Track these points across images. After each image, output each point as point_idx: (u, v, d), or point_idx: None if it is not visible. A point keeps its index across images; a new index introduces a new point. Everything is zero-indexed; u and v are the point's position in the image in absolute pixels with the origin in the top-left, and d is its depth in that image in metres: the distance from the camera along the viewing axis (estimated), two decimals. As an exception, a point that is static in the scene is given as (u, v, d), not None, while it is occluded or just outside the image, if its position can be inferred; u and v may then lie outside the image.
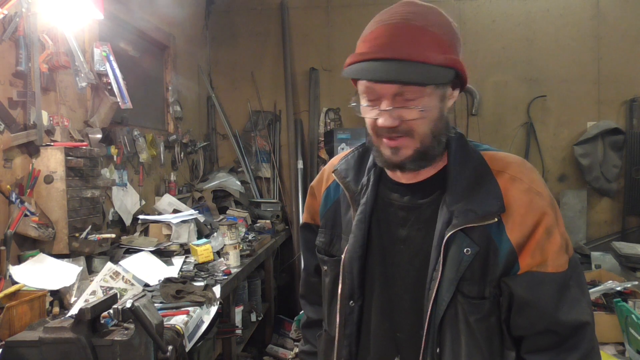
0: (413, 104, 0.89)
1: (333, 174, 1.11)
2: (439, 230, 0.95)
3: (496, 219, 0.92)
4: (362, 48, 0.92)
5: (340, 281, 1.05)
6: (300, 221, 1.27)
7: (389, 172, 1.04)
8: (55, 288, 1.86)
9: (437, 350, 0.96)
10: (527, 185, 0.94)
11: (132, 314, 1.37)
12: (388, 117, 0.90)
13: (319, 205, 1.17)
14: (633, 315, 2.11)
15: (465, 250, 0.93)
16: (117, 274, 1.95)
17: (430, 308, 0.95)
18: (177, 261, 2.51)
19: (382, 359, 1.04)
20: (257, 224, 3.82)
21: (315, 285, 1.25)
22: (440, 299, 0.94)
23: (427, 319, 0.95)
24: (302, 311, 1.36)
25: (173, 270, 2.38)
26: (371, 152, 1.03)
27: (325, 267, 1.12)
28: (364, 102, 0.94)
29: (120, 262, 2.25)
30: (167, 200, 3.30)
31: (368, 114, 0.94)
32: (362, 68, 0.88)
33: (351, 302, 1.05)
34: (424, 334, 0.96)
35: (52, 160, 2.15)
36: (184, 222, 2.81)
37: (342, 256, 1.05)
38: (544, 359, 0.94)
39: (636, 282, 2.63)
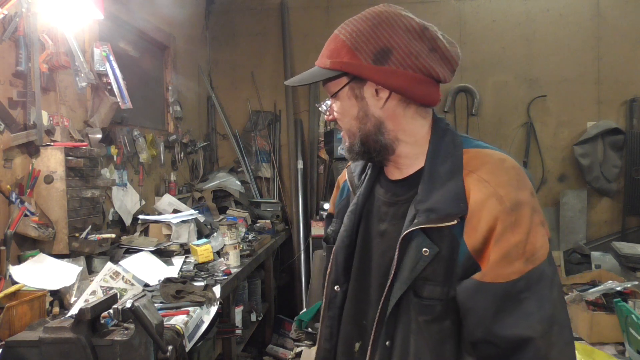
0: (332, 102, 1.05)
1: (346, 169, 1.22)
2: (404, 228, 0.97)
3: (456, 222, 0.91)
4: None
5: (329, 267, 1.14)
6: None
7: (385, 169, 1.09)
8: (55, 288, 1.86)
9: (387, 343, 0.98)
10: (492, 189, 0.91)
11: (132, 314, 1.37)
12: (328, 112, 1.08)
13: (337, 196, 1.25)
14: (633, 315, 2.11)
15: (423, 250, 0.93)
16: (117, 274, 1.95)
17: (381, 303, 0.97)
18: (177, 261, 2.51)
19: (347, 342, 1.10)
20: (257, 224, 3.82)
21: None
22: (391, 295, 0.96)
23: (378, 313, 0.98)
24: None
25: (173, 270, 2.38)
26: None
27: (324, 253, 1.20)
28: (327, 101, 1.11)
29: (120, 262, 2.25)
30: (167, 200, 3.30)
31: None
32: (297, 76, 1.09)
33: (336, 287, 1.11)
34: (374, 326, 0.99)
35: (52, 160, 2.15)
36: (184, 222, 2.81)
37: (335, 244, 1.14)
38: None
39: (636, 282, 2.63)
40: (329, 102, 1.07)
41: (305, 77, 1.04)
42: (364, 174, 1.13)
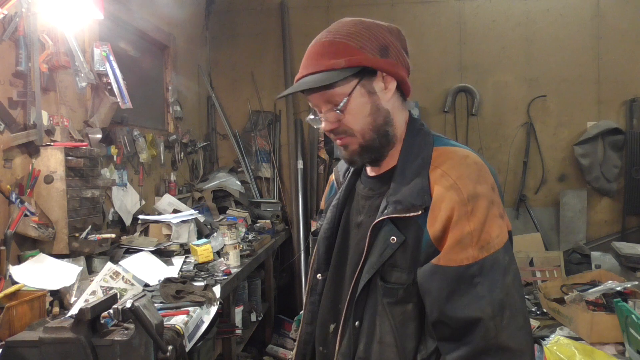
0: (341, 107, 1.03)
1: (334, 169, 1.30)
2: (376, 218, 1.05)
3: (420, 212, 0.99)
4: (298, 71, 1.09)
5: (312, 256, 1.23)
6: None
7: (365, 167, 1.17)
8: (55, 288, 1.86)
9: (356, 324, 1.06)
10: (451, 182, 0.98)
11: (132, 314, 1.37)
12: (326, 122, 1.06)
13: (327, 193, 1.34)
14: (633, 315, 2.11)
15: (391, 238, 1.01)
16: (117, 274, 1.95)
17: (351, 286, 1.06)
18: (177, 261, 2.51)
19: (323, 324, 1.18)
20: (257, 224, 3.82)
21: None
22: (360, 279, 1.05)
23: (349, 296, 1.07)
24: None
25: (173, 270, 2.38)
26: None
27: (311, 245, 1.29)
28: (311, 116, 1.11)
29: (120, 262, 2.25)
30: (167, 200, 3.30)
31: (316, 124, 1.11)
32: (288, 89, 1.08)
33: (318, 275, 1.20)
34: (344, 308, 1.08)
35: (52, 160, 2.15)
36: (184, 222, 2.81)
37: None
38: (445, 348, 0.98)
39: (636, 282, 2.63)
40: (317, 116, 1.08)
41: (316, 80, 1.01)
42: (347, 172, 1.23)
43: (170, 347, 1.48)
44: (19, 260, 2.01)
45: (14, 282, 1.81)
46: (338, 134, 1.06)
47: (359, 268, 1.05)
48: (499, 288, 0.94)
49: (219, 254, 2.69)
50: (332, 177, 1.32)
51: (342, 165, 1.26)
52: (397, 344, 1.01)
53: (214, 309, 2.05)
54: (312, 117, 1.10)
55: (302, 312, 1.39)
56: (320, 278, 1.19)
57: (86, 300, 1.82)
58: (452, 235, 0.95)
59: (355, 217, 1.15)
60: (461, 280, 0.94)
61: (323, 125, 1.07)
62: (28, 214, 2.03)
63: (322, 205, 1.35)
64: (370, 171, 1.16)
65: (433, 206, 0.98)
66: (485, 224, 0.96)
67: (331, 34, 1.05)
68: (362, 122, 1.04)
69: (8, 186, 2.01)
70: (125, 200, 2.93)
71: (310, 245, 1.29)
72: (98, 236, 2.26)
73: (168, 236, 2.77)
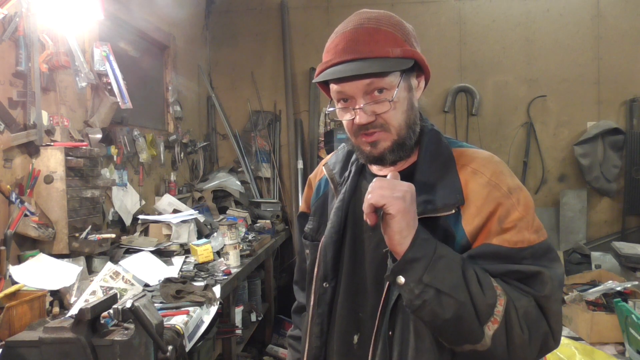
0: (383, 97, 0.96)
1: (323, 167, 1.21)
2: None
3: (454, 211, 0.95)
4: (325, 58, 1.00)
5: (316, 264, 1.13)
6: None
7: (369, 165, 1.11)
8: (55, 288, 1.86)
9: (390, 333, 0.99)
10: (487, 179, 0.97)
11: (132, 314, 1.37)
12: (363, 114, 0.96)
13: (312, 195, 1.25)
14: (633, 315, 2.11)
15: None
16: (117, 274, 1.95)
17: (384, 293, 0.99)
18: (177, 261, 2.51)
19: (344, 335, 1.09)
20: (257, 224, 3.82)
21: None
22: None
23: (381, 303, 0.99)
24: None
25: (173, 270, 2.38)
26: (354, 152, 1.10)
27: (307, 251, 1.19)
28: (339, 105, 1.01)
29: (120, 262, 2.25)
30: (167, 200, 3.30)
31: (344, 116, 1.01)
32: (328, 73, 0.96)
33: (325, 283, 1.11)
34: (378, 316, 1.00)
35: (52, 160, 2.15)
36: (184, 222, 2.81)
37: (321, 241, 1.13)
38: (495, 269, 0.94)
39: (636, 282, 2.63)
40: (344, 107, 1.00)
41: (372, 66, 0.93)
42: (347, 171, 1.14)
43: (170, 347, 1.48)
44: (19, 260, 2.01)
45: (14, 282, 1.81)
46: (373, 128, 0.98)
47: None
48: (559, 273, 0.95)
49: (219, 254, 2.69)
50: (315, 177, 1.25)
51: (335, 164, 1.17)
52: (434, 348, 0.96)
53: (214, 309, 2.05)
54: (339, 107, 1.00)
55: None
56: (327, 286, 1.11)
57: (86, 300, 1.82)
58: (511, 219, 0.93)
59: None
60: (509, 261, 0.93)
61: (357, 118, 0.97)
62: (28, 214, 2.03)
63: (304, 208, 1.27)
64: (379, 170, 1.08)
65: (469, 203, 0.95)
66: (535, 212, 0.97)
67: (373, 22, 0.97)
68: (400, 117, 0.98)
69: (8, 186, 2.01)
70: (125, 200, 2.93)
71: (306, 251, 1.20)
72: (98, 236, 2.26)
73: (168, 236, 2.77)
